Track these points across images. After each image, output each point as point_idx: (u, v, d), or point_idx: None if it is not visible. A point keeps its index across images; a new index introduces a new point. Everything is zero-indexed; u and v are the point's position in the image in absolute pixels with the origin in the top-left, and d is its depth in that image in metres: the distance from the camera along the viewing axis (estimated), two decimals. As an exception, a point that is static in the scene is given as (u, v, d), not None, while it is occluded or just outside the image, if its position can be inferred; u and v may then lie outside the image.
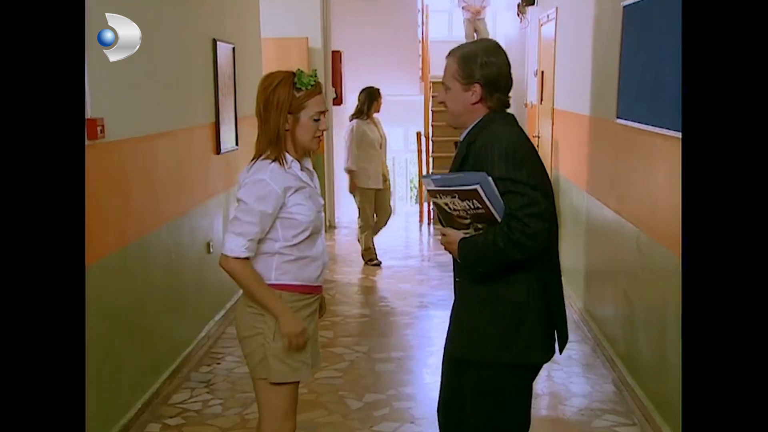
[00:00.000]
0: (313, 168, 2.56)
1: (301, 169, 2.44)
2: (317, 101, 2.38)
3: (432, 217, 8.77)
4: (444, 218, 2.35)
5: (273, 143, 2.36)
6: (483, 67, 2.28)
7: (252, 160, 2.42)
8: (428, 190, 2.30)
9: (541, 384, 4.01)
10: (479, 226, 2.24)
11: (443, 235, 2.36)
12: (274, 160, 2.35)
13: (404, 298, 5.75)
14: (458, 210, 2.24)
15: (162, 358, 3.98)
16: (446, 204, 2.25)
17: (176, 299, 4.21)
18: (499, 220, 2.19)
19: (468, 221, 2.26)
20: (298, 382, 2.51)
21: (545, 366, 4.31)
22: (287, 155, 2.38)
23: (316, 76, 2.39)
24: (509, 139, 2.25)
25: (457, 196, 2.20)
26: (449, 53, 2.39)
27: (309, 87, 2.35)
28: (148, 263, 3.80)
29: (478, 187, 2.14)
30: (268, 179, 2.33)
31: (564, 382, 4.05)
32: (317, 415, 3.68)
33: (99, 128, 3.11)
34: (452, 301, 2.49)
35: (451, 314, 2.49)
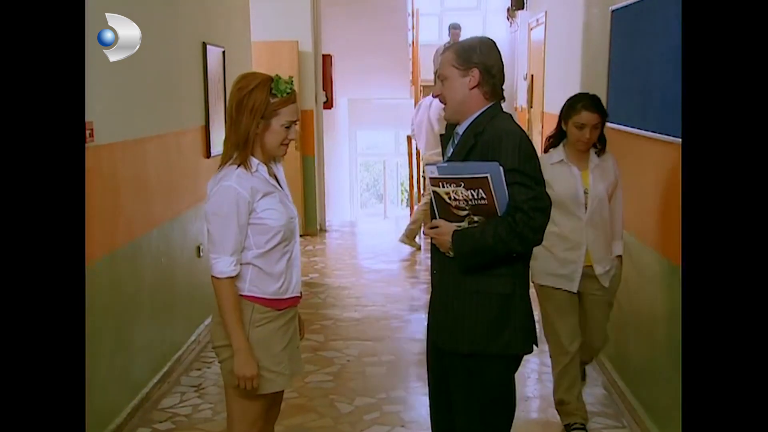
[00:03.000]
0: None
1: (270, 174, 2.39)
2: (291, 110, 2.34)
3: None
4: (439, 209, 2.36)
5: (241, 146, 2.31)
6: (481, 54, 2.38)
7: (220, 165, 2.37)
8: (431, 178, 2.31)
9: (531, 387, 4.02)
10: (475, 218, 2.28)
11: (434, 227, 2.38)
12: (239, 165, 2.30)
13: (395, 301, 5.75)
14: (459, 200, 2.27)
15: (152, 362, 3.96)
16: (447, 193, 2.28)
17: (166, 303, 4.20)
18: (500, 213, 2.25)
19: (465, 213, 2.29)
20: (276, 393, 2.45)
21: (535, 369, 4.34)
22: (253, 159, 2.33)
23: (292, 83, 2.35)
24: (521, 134, 2.34)
25: (463, 185, 2.23)
26: (445, 48, 2.50)
27: (285, 94, 2.31)
28: (138, 267, 3.79)
29: (488, 175, 2.19)
30: (234, 185, 2.27)
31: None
32: (307, 419, 3.67)
33: (89, 132, 3.10)
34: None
35: (432, 306, 2.54)
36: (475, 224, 2.29)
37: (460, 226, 2.32)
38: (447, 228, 2.33)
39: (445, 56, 2.42)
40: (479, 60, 2.36)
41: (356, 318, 5.36)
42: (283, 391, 2.56)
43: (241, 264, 2.32)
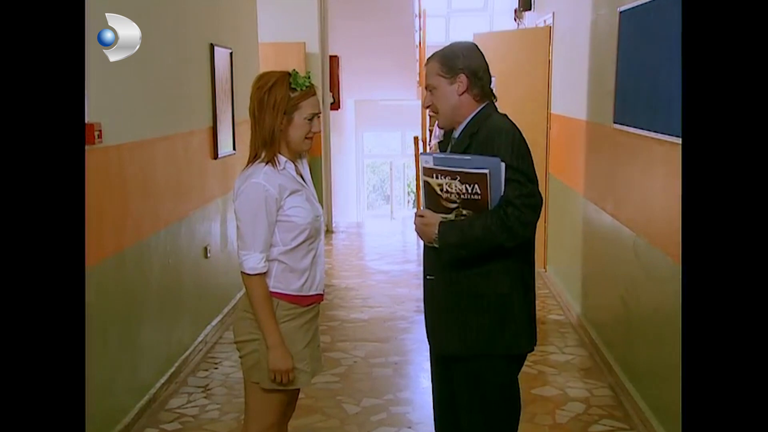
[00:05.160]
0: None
1: (296, 172, 2.42)
2: (311, 102, 2.37)
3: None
4: (427, 200, 2.35)
5: (267, 144, 2.34)
6: (464, 59, 2.38)
7: (247, 163, 2.40)
8: (424, 167, 2.30)
9: (538, 389, 4.01)
10: (464, 212, 2.27)
11: (420, 216, 2.37)
12: (267, 163, 2.33)
13: (401, 302, 5.75)
14: (450, 193, 2.26)
15: (159, 362, 3.97)
16: (440, 185, 2.26)
17: (173, 304, 4.21)
18: (490, 209, 2.24)
19: (455, 206, 2.28)
20: (294, 390, 2.49)
21: (543, 370, 4.33)
22: (280, 157, 2.36)
23: (310, 77, 2.38)
24: (515, 131, 2.34)
25: (458, 178, 2.22)
26: (428, 59, 2.47)
27: (304, 88, 2.34)
28: (145, 267, 3.79)
29: (488, 171, 2.18)
30: (263, 181, 2.31)
31: (561, 387, 4.05)
32: (315, 420, 3.68)
33: (96, 133, 3.11)
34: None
35: (428, 312, 2.52)
36: (463, 217, 2.28)
37: (446, 218, 2.31)
38: (433, 219, 2.32)
39: (429, 66, 2.42)
40: (464, 65, 2.37)
41: (363, 319, 5.36)
42: (299, 390, 2.57)
43: (269, 261, 2.36)
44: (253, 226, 2.31)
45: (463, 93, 2.38)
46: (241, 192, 2.34)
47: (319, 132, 2.46)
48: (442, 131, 2.58)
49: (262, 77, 2.38)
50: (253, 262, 2.32)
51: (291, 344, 2.39)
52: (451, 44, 2.48)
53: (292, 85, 2.33)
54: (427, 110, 2.54)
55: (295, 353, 2.39)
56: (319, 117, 2.42)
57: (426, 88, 2.46)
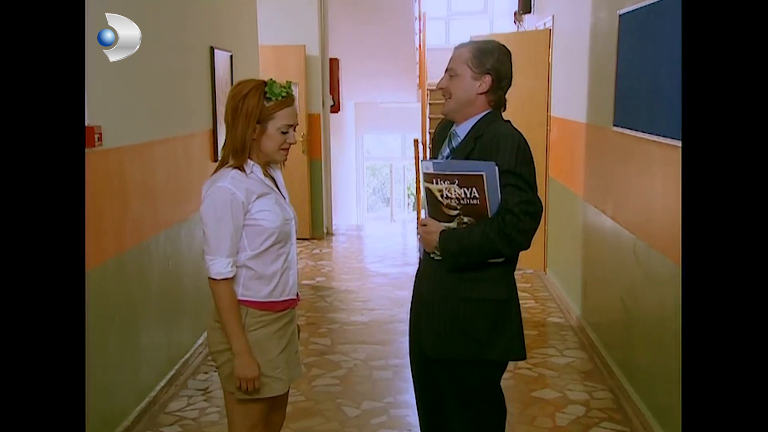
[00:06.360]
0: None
1: (265, 175, 2.37)
2: (287, 113, 2.31)
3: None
4: (430, 208, 2.35)
5: (238, 151, 2.29)
6: (497, 62, 2.37)
7: (215, 169, 2.35)
8: (425, 174, 2.29)
9: (538, 391, 4.01)
10: (465, 219, 2.28)
11: (423, 225, 2.38)
12: (235, 168, 2.29)
13: (401, 305, 5.74)
14: (451, 198, 2.26)
15: (159, 365, 3.97)
16: (440, 190, 2.27)
17: (174, 306, 4.21)
18: (490, 215, 2.24)
19: (456, 212, 2.28)
20: (278, 397, 2.44)
21: (543, 373, 4.33)
22: (249, 161, 2.31)
23: (290, 88, 2.32)
24: (520, 137, 2.33)
25: (457, 182, 2.23)
26: (461, 44, 2.43)
27: (279, 98, 2.28)
28: (145, 270, 3.79)
29: (484, 174, 2.19)
30: (229, 185, 2.25)
31: (561, 389, 4.05)
32: (314, 423, 3.67)
33: (97, 136, 3.11)
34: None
35: (418, 313, 2.51)
36: (464, 225, 2.28)
37: (448, 227, 2.31)
38: (435, 227, 2.33)
39: (460, 52, 2.39)
40: (494, 67, 2.35)
41: (363, 322, 5.36)
42: (286, 396, 2.55)
43: (236, 266, 2.32)
44: (219, 231, 2.26)
45: (482, 93, 2.37)
46: (207, 196, 2.29)
47: (295, 143, 2.40)
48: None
49: (238, 85, 2.34)
50: (219, 267, 2.28)
51: (264, 352, 2.34)
52: (489, 40, 2.46)
53: (267, 95, 2.28)
54: (439, 90, 2.49)
55: (268, 361, 2.34)
56: (294, 128, 2.36)
57: (447, 70, 2.42)
